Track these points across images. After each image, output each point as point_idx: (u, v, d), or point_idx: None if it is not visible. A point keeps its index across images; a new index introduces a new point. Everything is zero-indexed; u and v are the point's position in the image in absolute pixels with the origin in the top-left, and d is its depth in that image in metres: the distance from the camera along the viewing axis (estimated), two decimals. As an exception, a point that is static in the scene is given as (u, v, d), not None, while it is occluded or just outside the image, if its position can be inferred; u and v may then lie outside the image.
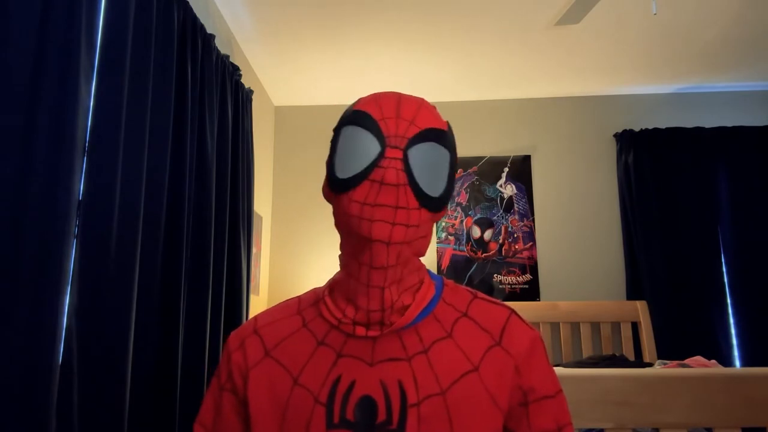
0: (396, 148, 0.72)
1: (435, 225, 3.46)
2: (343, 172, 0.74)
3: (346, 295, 0.76)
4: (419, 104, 0.77)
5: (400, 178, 0.71)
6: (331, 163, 0.77)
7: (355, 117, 0.75)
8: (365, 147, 0.73)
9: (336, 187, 0.74)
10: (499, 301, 0.83)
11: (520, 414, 0.75)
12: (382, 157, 0.72)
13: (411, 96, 0.79)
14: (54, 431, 1.17)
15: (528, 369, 0.76)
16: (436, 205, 0.75)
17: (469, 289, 0.84)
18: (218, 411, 0.81)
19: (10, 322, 1.12)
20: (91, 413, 1.34)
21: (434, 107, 0.80)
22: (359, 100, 0.79)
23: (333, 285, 0.80)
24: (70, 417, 1.26)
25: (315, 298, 0.85)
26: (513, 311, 0.81)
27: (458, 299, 0.81)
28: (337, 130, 0.78)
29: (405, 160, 0.72)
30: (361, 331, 0.74)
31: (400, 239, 0.71)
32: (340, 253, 0.79)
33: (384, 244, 0.71)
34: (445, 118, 3.57)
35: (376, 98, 0.77)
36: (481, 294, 0.83)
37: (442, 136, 0.76)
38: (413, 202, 0.72)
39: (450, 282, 0.85)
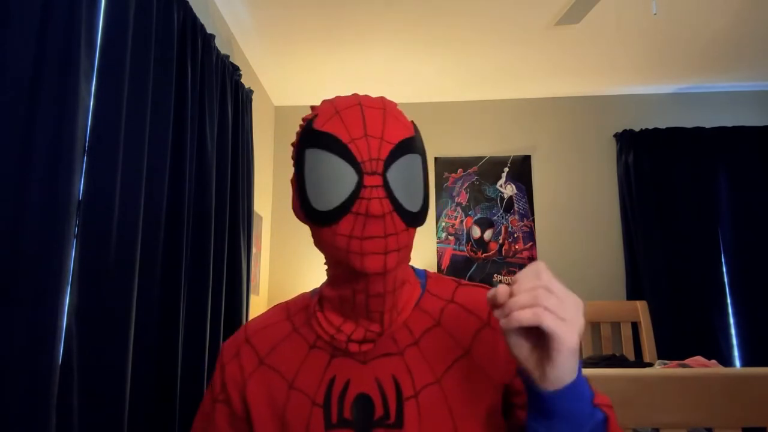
0: (374, 174, 0.67)
1: (435, 225, 3.46)
2: (321, 204, 0.69)
3: (341, 313, 0.75)
4: (383, 112, 0.71)
5: (385, 207, 0.67)
6: (301, 188, 0.71)
7: (321, 140, 0.69)
8: (340, 176, 0.67)
9: (315, 220, 0.70)
10: (482, 284, 0.83)
11: (518, 386, 0.74)
12: (362, 186, 0.67)
13: (371, 100, 0.73)
14: (54, 431, 1.17)
15: None
16: (420, 218, 0.72)
17: (453, 278, 0.84)
18: (209, 422, 0.81)
19: (10, 322, 1.12)
20: (91, 413, 1.34)
21: (395, 106, 0.75)
22: (319, 115, 0.72)
23: (324, 301, 0.78)
24: (70, 417, 1.26)
25: (304, 303, 0.84)
26: None
27: (443, 288, 0.81)
28: (300, 149, 0.72)
29: (386, 185, 0.68)
30: (354, 347, 0.73)
31: (394, 265, 0.69)
32: (326, 267, 0.77)
33: (380, 275, 0.69)
34: (444, 118, 3.59)
35: (337, 111, 0.71)
36: (464, 281, 0.83)
37: (412, 143, 0.72)
38: (401, 226, 0.69)
39: (433, 273, 0.85)
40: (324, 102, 0.75)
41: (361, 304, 0.71)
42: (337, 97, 0.75)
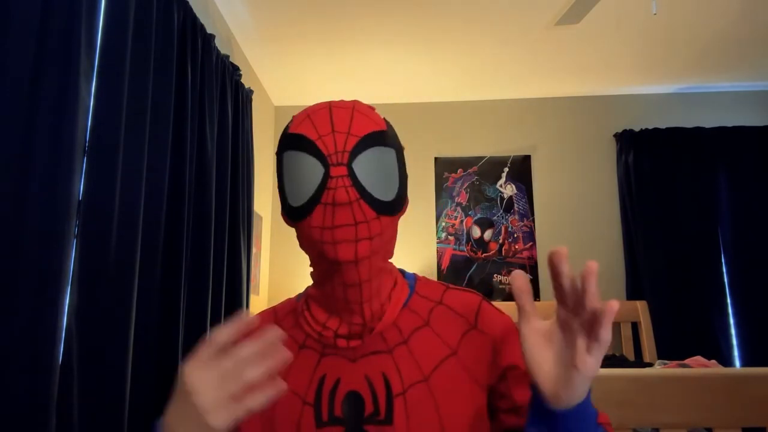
0: (339, 165, 0.70)
1: (435, 225, 3.46)
2: (295, 200, 0.73)
3: (325, 310, 0.77)
4: (352, 110, 0.75)
5: (351, 195, 0.70)
6: (282, 191, 0.76)
7: (292, 141, 0.74)
8: (309, 171, 0.72)
9: (292, 216, 0.74)
10: (469, 289, 0.86)
11: (504, 390, 0.76)
12: (328, 177, 0.70)
13: (342, 102, 0.77)
14: (54, 431, 1.17)
15: (507, 348, 0.77)
16: (394, 208, 0.74)
17: (441, 282, 0.87)
18: None
19: (10, 322, 1.12)
20: (91, 413, 1.34)
21: (369, 107, 0.78)
22: (293, 120, 0.77)
23: (309, 300, 0.81)
24: (70, 417, 1.26)
25: (291, 307, 0.85)
26: (483, 297, 0.84)
27: (431, 291, 0.84)
28: (278, 155, 0.77)
29: (351, 174, 0.70)
30: (342, 342, 0.75)
31: (367, 254, 0.72)
32: (311, 270, 0.80)
33: (352, 263, 0.71)
34: (445, 119, 3.59)
35: (309, 115, 0.75)
36: (452, 285, 0.86)
37: (382, 136, 0.74)
38: (371, 213, 0.71)
39: (422, 277, 0.87)
40: (302, 110, 0.79)
41: (339, 296, 0.74)
42: (313, 104, 0.79)
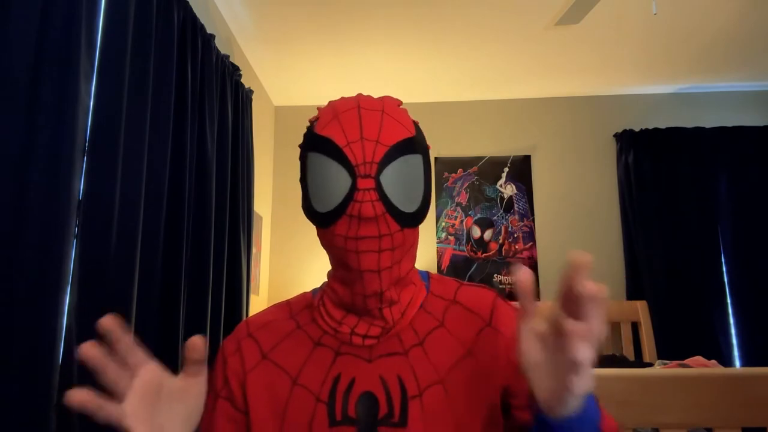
0: (367, 177, 0.69)
1: (435, 225, 3.46)
2: (320, 206, 0.72)
3: (343, 309, 0.77)
4: (381, 113, 0.73)
5: (377, 209, 0.69)
6: (305, 190, 0.75)
7: (319, 144, 0.72)
8: (336, 179, 0.70)
9: (316, 221, 0.73)
10: (483, 285, 0.84)
11: (518, 387, 0.75)
12: (355, 189, 0.69)
13: (371, 102, 0.74)
14: (54, 431, 1.17)
15: None
16: (417, 219, 0.73)
17: (454, 278, 0.86)
18: (210, 421, 0.80)
19: (10, 321, 1.12)
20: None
21: (397, 106, 0.76)
22: (320, 118, 0.74)
23: (326, 297, 0.80)
24: (70, 417, 1.26)
25: (306, 302, 0.84)
26: (498, 294, 0.83)
27: (445, 289, 0.83)
28: (303, 152, 0.75)
29: (378, 187, 0.69)
30: (357, 340, 0.75)
31: (389, 264, 0.71)
32: (330, 270, 0.79)
33: (375, 273, 0.71)
34: (445, 119, 3.59)
35: (336, 115, 0.72)
36: (465, 282, 0.84)
37: (411, 143, 0.72)
38: (395, 227, 0.70)
39: (435, 274, 0.86)
40: (328, 104, 0.77)
41: (359, 304, 0.73)
42: (340, 99, 0.76)
